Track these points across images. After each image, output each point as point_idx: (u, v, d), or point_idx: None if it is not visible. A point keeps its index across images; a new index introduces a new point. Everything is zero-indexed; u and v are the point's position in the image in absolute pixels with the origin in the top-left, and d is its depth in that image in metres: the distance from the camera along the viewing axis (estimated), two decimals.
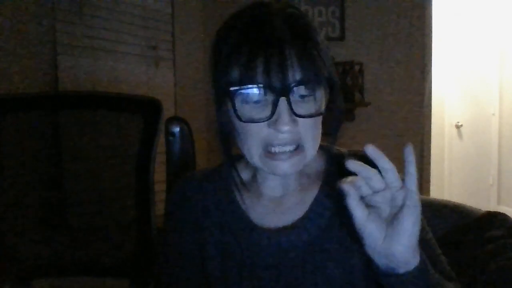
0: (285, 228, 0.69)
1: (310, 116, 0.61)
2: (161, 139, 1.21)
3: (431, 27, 2.99)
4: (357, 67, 2.78)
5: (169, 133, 1.17)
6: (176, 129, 1.17)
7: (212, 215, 0.74)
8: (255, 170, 0.72)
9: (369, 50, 2.90)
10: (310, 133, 0.63)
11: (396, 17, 2.90)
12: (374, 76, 2.90)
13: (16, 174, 1.25)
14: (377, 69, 2.91)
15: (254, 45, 0.59)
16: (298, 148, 0.63)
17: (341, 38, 2.88)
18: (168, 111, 2.00)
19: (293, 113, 0.59)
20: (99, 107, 1.27)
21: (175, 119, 1.19)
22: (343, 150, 0.75)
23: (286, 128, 0.59)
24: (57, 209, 1.29)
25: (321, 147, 0.74)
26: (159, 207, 1.13)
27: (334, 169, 0.72)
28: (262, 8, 0.63)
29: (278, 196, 0.72)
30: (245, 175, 0.75)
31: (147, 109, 1.21)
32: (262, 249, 0.69)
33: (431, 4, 2.97)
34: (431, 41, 3.00)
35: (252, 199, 0.73)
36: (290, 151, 0.62)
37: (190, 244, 0.74)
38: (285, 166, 0.63)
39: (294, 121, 0.60)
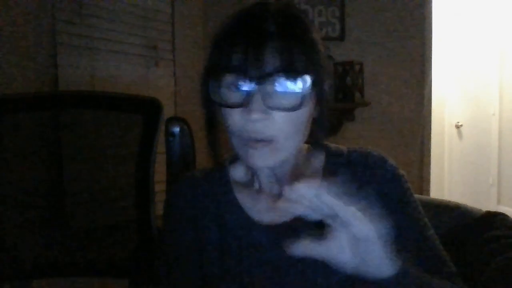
0: (284, 225, 0.69)
1: (284, 109, 0.61)
2: (161, 139, 1.21)
3: (431, 27, 2.99)
4: (357, 67, 2.78)
5: (169, 133, 1.17)
6: (176, 129, 1.17)
7: (211, 213, 0.74)
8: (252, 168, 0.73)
9: (369, 50, 2.90)
10: (284, 128, 0.62)
11: (396, 17, 2.90)
12: (374, 76, 2.90)
13: (16, 174, 1.25)
14: (377, 69, 2.91)
15: (236, 34, 0.61)
16: (269, 141, 0.62)
17: (341, 38, 2.88)
18: (168, 111, 2.00)
19: (265, 103, 0.60)
20: (99, 107, 1.27)
21: (175, 119, 1.19)
22: (343, 147, 0.75)
23: (256, 116, 0.59)
24: (57, 209, 1.29)
25: (320, 145, 0.74)
26: (159, 207, 1.13)
27: (334, 167, 0.72)
28: (260, 6, 0.64)
29: (277, 193, 0.72)
30: (244, 172, 0.76)
31: (147, 109, 1.21)
32: (261, 246, 0.69)
33: (431, 4, 2.97)
34: (431, 41, 3.00)
35: (251, 197, 0.73)
36: (261, 141, 0.62)
37: (189, 243, 0.75)
38: (255, 155, 0.63)
39: (267, 113, 0.60)
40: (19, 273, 1.23)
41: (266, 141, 0.62)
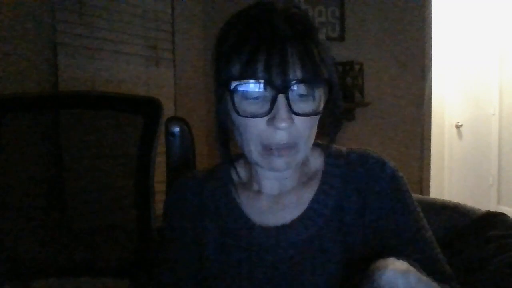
0: (284, 226, 0.69)
1: (308, 114, 0.61)
2: (161, 139, 1.21)
3: (431, 27, 2.99)
4: (357, 67, 2.78)
5: (169, 133, 1.17)
6: (176, 129, 1.17)
7: (210, 214, 0.74)
8: (253, 169, 0.73)
9: (369, 50, 2.90)
10: (306, 132, 0.63)
11: (396, 17, 2.90)
12: (374, 76, 2.90)
13: (16, 174, 1.25)
14: (377, 69, 2.91)
15: (256, 42, 0.60)
16: (292, 146, 0.63)
17: (341, 38, 2.88)
18: (168, 111, 2.00)
19: (291, 110, 0.60)
20: (99, 107, 1.27)
21: (175, 119, 1.19)
22: (342, 148, 0.75)
23: (283, 124, 0.59)
24: (57, 209, 1.29)
25: (320, 146, 0.74)
26: (159, 207, 1.13)
27: (333, 168, 0.72)
28: (265, 7, 0.64)
29: (276, 194, 0.72)
30: (243, 174, 0.75)
31: (147, 109, 1.21)
32: (260, 247, 0.69)
33: (431, 4, 2.97)
34: (431, 41, 3.00)
35: (251, 198, 0.73)
36: (284, 148, 0.62)
37: (188, 244, 0.75)
38: (280, 162, 0.63)
39: (291, 119, 0.60)
40: (19, 273, 1.23)
41: (290, 147, 0.63)
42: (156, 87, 2.44)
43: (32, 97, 1.34)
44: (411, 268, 0.52)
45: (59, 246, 1.26)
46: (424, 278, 0.54)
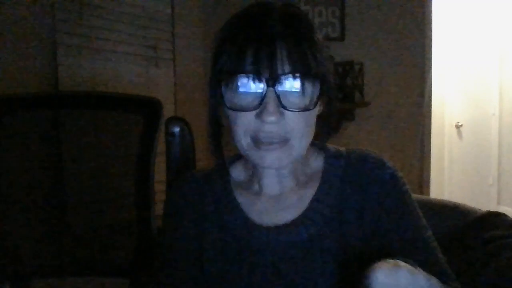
0: (284, 226, 0.69)
1: (297, 110, 0.61)
2: (161, 139, 1.21)
3: (431, 27, 2.99)
4: (357, 67, 2.79)
5: (169, 133, 1.17)
6: (176, 129, 1.17)
7: (211, 215, 0.74)
8: (253, 169, 0.73)
9: (369, 50, 2.91)
10: (298, 128, 0.63)
11: (396, 17, 2.90)
12: (374, 76, 2.90)
13: (16, 174, 1.25)
14: (377, 69, 2.91)
15: (246, 36, 0.61)
16: (282, 141, 0.63)
17: (341, 38, 2.88)
18: (168, 111, 2.00)
19: (280, 104, 0.60)
20: (99, 107, 1.27)
21: (175, 119, 1.19)
22: (342, 148, 0.75)
23: (271, 118, 0.60)
24: (57, 209, 1.29)
25: (319, 146, 0.74)
26: (159, 207, 1.13)
27: (333, 168, 0.72)
28: (263, 6, 0.64)
29: (276, 194, 0.72)
30: (243, 174, 0.76)
31: (147, 109, 1.21)
32: (261, 247, 0.69)
33: (431, 4, 2.97)
34: (431, 41, 3.00)
35: (251, 198, 0.73)
36: (276, 143, 0.62)
37: (189, 244, 0.75)
38: (271, 157, 0.63)
39: (281, 114, 0.61)
40: (19, 273, 1.23)
41: (281, 142, 0.63)
42: (156, 87, 2.44)
43: (32, 97, 1.34)
44: (402, 264, 0.51)
45: (59, 246, 1.26)
46: (422, 276, 0.52)
